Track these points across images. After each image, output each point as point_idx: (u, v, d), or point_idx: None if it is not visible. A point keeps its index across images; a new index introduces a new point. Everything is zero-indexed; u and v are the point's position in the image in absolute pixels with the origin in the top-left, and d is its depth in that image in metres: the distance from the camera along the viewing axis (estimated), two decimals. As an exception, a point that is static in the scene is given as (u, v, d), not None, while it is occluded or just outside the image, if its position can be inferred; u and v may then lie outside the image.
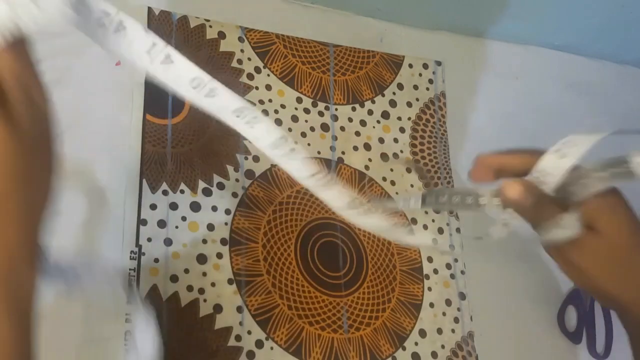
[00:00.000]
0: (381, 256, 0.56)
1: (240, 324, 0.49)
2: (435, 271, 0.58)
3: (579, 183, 0.35)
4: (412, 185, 0.60)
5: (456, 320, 0.57)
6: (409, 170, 0.61)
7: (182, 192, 0.50)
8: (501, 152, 0.38)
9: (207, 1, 0.58)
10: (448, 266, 0.59)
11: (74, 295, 0.44)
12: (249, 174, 0.54)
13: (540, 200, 0.35)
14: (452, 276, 0.58)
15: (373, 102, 0.62)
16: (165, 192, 0.50)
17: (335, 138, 0.59)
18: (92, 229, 0.47)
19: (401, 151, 0.61)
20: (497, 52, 0.72)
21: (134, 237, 0.47)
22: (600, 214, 0.35)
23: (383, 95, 0.63)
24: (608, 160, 0.34)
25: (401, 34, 0.67)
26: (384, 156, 0.60)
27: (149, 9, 0.54)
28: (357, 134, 0.60)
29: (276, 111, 0.57)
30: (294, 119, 0.58)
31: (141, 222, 0.48)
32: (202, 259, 0.49)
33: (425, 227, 0.59)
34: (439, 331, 0.56)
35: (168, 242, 0.48)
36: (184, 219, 0.50)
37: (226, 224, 0.51)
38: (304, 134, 0.57)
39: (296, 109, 0.58)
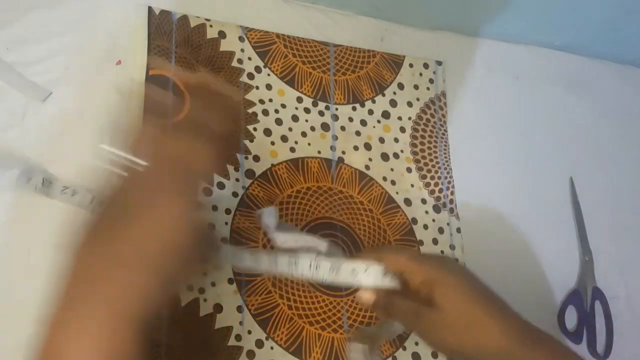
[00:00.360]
0: (381, 256, 0.56)
1: (241, 323, 0.49)
2: (436, 271, 0.58)
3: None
4: (412, 185, 0.60)
5: (456, 320, 0.57)
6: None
7: (182, 191, 0.50)
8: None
9: (207, 1, 0.58)
10: (448, 266, 0.59)
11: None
12: (249, 173, 0.54)
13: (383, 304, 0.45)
14: (453, 276, 0.58)
15: (373, 101, 0.62)
16: (165, 192, 0.50)
17: (335, 138, 0.59)
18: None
19: (401, 151, 0.61)
20: (497, 52, 0.72)
21: (134, 236, 0.47)
22: (438, 295, 0.42)
23: (383, 95, 0.63)
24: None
25: (402, 33, 0.67)
26: (384, 156, 0.60)
27: (149, 8, 0.54)
28: (358, 133, 0.60)
29: (276, 111, 0.57)
30: (295, 118, 0.57)
31: (141, 221, 0.48)
32: (202, 258, 0.49)
33: (425, 227, 0.59)
34: (439, 331, 0.56)
35: (168, 241, 0.48)
36: (184, 218, 0.50)
37: (226, 223, 0.51)
38: (304, 134, 0.57)
39: (296, 108, 0.58)
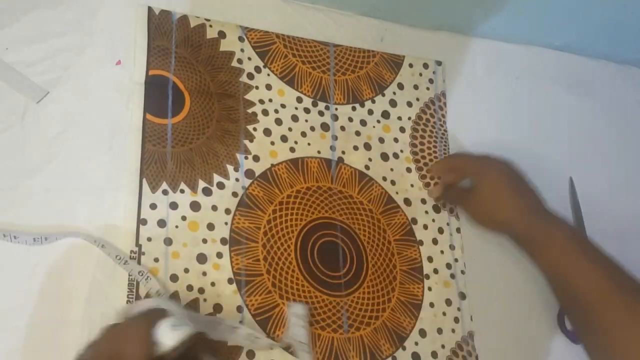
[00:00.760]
0: (381, 256, 0.56)
1: (240, 323, 0.49)
2: (436, 271, 0.58)
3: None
4: (412, 185, 0.60)
5: (456, 320, 0.57)
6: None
7: (182, 191, 0.50)
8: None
9: (207, 1, 0.58)
10: (448, 266, 0.59)
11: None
12: (249, 173, 0.54)
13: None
14: (452, 276, 0.58)
15: (373, 101, 0.62)
16: (165, 192, 0.50)
17: (335, 138, 0.59)
18: (93, 229, 0.47)
19: (401, 151, 0.61)
20: (497, 52, 0.72)
21: (134, 236, 0.47)
22: (477, 182, 0.57)
23: (383, 95, 0.63)
24: None
25: (401, 33, 0.67)
26: (384, 156, 0.60)
27: (149, 8, 0.54)
28: (358, 133, 0.60)
29: (276, 111, 0.57)
30: (294, 118, 0.57)
31: (141, 221, 0.48)
32: (202, 258, 0.49)
33: (425, 227, 0.59)
34: (439, 331, 0.56)
35: (168, 241, 0.48)
36: (184, 218, 0.50)
37: (226, 223, 0.51)
38: (304, 134, 0.57)
39: (296, 108, 0.58)
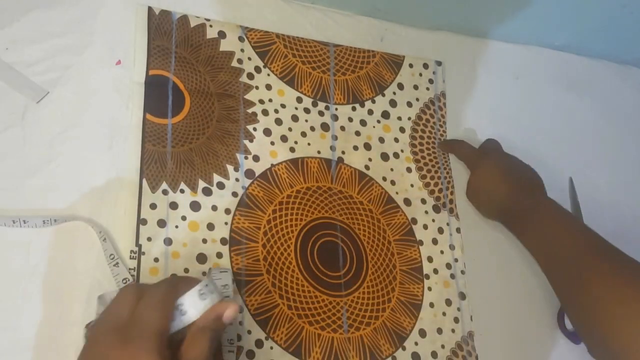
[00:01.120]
0: (381, 256, 0.56)
1: (240, 323, 0.49)
2: (435, 271, 0.58)
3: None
4: (412, 185, 0.60)
5: (456, 320, 0.57)
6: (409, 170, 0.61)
7: (182, 191, 0.50)
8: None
9: (207, 1, 0.58)
10: (448, 266, 0.59)
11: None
12: (249, 173, 0.54)
13: None
14: (452, 276, 0.58)
15: (373, 101, 0.62)
16: (165, 192, 0.50)
17: (335, 138, 0.59)
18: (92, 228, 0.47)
19: (401, 151, 0.61)
20: (497, 52, 0.72)
21: (134, 236, 0.47)
22: (472, 164, 0.62)
23: (383, 95, 0.63)
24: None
25: (401, 33, 0.67)
26: (384, 156, 0.60)
27: (149, 8, 0.54)
28: (357, 133, 0.60)
29: (276, 111, 0.57)
30: (294, 118, 0.57)
31: (141, 221, 0.48)
32: (202, 258, 0.49)
33: (425, 226, 0.59)
34: (439, 331, 0.56)
35: (168, 241, 0.48)
36: (184, 218, 0.50)
37: (226, 223, 0.51)
38: (304, 134, 0.57)
39: (296, 108, 0.58)
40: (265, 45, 0.59)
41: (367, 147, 0.60)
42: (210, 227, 0.50)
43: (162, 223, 0.49)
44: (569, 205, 0.68)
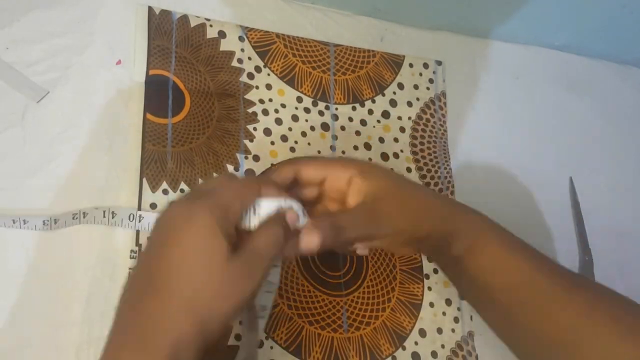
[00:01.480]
0: (381, 256, 0.56)
1: (240, 323, 0.49)
2: (435, 271, 0.58)
3: None
4: (412, 185, 0.60)
5: (456, 319, 0.57)
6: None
7: (182, 191, 0.50)
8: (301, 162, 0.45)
9: (207, 0, 0.58)
10: (448, 266, 0.59)
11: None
12: (249, 173, 0.54)
13: None
14: (452, 276, 0.58)
15: (373, 101, 0.62)
16: (165, 192, 0.50)
17: (335, 137, 0.59)
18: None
19: (401, 151, 0.61)
20: (497, 52, 0.72)
21: (134, 236, 0.47)
22: (371, 188, 0.43)
23: (383, 95, 0.63)
24: None
25: (402, 33, 0.67)
26: (384, 156, 0.60)
27: (149, 8, 0.54)
28: (358, 133, 0.60)
29: (276, 110, 0.57)
30: (294, 118, 0.57)
31: (141, 221, 0.48)
32: (202, 258, 0.49)
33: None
34: (439, 331, 0.56)
35: (168, 241, 0.48)
36: (184, 218, 0.50)
37: (226, 223, 0.51)
38: (304, 134, 0.57)
39: (296, 108, 0.58)
40: (265, 45, 0.59)
41: (367, 147, 0.60)
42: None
43: (162, 223, 0.49)
44: (569, 205, 0.68)
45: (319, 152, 0.57)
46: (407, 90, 0.64)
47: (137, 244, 0.47)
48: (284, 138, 0.56)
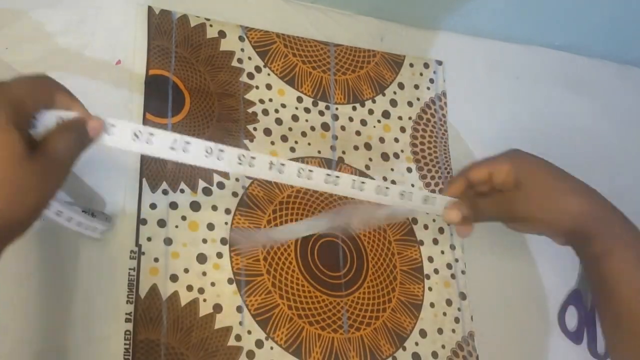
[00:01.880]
0: (381, 256, 0.56)
1: (240, 323, 0.49)
2: (436, 271, 0.58)
3: None
4: (412, 185, 0.60)
5: (457, 320, 0.57)
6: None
7: (182, 191, 0.50)
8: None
9: (207, 0, 0.58)
10: (449, 266, 0.59)
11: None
12: (249, 173, 0.54)
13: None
14: (453, 276, 0.58)
15: (374, 101, 0.62)
16: (165, 192, 0.50)
17: (335, 137, 0.59)
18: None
19: (402, 151, 0.61)
20: (497, 52, 0.72)
21: (134, 236, 0.47)
22: (522, 176, 0.48)
23: (384, 95, 0.63)
24: None
25: (402, 33, 0.67)
26: (384, 156, 0.60)
27: (149, 8, 0.54)
28: (358, 133, 0.60)
29: (276, 110, 0.57)
30: (295, 118, 0.57)
31: (141, 221, 0.48)
32: (202, 258, 0.49)
33: (425, 227, 0.59)
34: (440, 331, 0.56)
35: (168, 241, 0.48)
36: (184, 218, 0.50)
37: (226, 223, 0.51)
38: (304, 134, 0.57)
39: (296, 108, 0.58)
40: (265, 45, 0.59)
41: (368, 147, 0.60)
42: (210, 227, 0.50)
43: (162, 223, 0.49)
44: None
45: (319, 152, 0.57)
46: (407, 90, 0.64)
47: (137, 244, 0.47)
48: (284, 138, 0.56)
